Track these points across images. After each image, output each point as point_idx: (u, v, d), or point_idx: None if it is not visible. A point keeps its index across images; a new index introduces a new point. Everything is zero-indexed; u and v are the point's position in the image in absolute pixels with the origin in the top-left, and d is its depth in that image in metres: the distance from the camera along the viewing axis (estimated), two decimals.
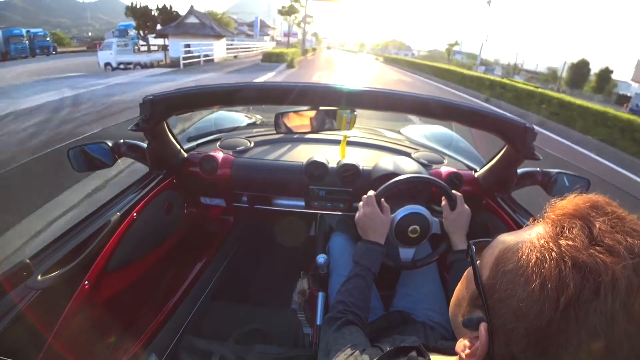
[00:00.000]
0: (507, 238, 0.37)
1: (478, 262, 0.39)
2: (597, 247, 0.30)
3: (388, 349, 0.55)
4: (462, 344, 0.39)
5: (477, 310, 0.37)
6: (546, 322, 0.30)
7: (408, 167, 1.09)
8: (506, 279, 0.34)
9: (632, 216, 0.33)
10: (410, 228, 0.89)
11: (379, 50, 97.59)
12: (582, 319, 0.28)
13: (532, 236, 0.34)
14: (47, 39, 26.73)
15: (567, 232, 0.32)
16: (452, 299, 0.45)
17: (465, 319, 0.38)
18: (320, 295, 1.05)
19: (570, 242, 0.31)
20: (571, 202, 0.35)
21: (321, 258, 1.06)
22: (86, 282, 0.76)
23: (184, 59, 14.61)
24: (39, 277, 0.66)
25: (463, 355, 0.38)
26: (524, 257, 0.33)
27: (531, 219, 0.38)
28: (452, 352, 0.42)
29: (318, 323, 1.02)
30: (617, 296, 0.28)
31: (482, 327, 0.35)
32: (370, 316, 0.85)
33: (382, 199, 0.89)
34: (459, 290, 0.43)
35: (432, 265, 1.00)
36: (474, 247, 0.41)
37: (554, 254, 0.31)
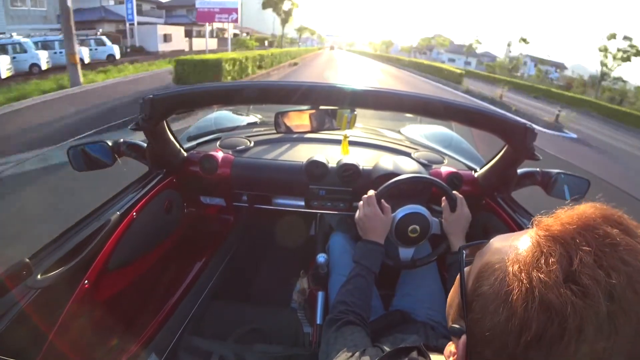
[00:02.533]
0: (496, 246, 0.35)
1: (468, 268, 0.37)
2: (572, 286, 0.27)
3: (389, 348, 0.55)
4: (448, 350, 0.39)
5: (461, 320, 0.36)
6: (507, 356, 0.29)
7: (408, 167, 1.09)
8: (479, 302, 0.32)
9: (634, 235, 0.29)
10: (410, 228, 0.89)
11: (414, 55, 54.93)
12: (542, 359, 0.27)
13: (511, 257, 0.31)
14: None
15: (543, 261, 0.28)
16: (447, 300, 0.44)
17: (450, 328, 0.37)
18: (320, 294, 1.05)
19: (542, 276, 0.28)
20: (558, 220, 0.31)
21: (321, 257, 1.06)
22: (86, 282, 0.76)
23: None
24: (39, 277, 0.66)
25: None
26: (496, 282, 0.31)
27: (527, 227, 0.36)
28: None
29: (318, 322, 1.02)
30: (582, 344, 0.26)
31: (461, 341, 0.34)
32: (370, 314, 0.85)
33: (383, 199, 0.89)
34: (452, 293, 0.42)
35: (432, 265, 1.00)
36: (465, 251, 0.39)
37: (523, 287, 0.28)
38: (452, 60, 49.76)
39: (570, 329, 0.26)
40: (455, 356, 0.36)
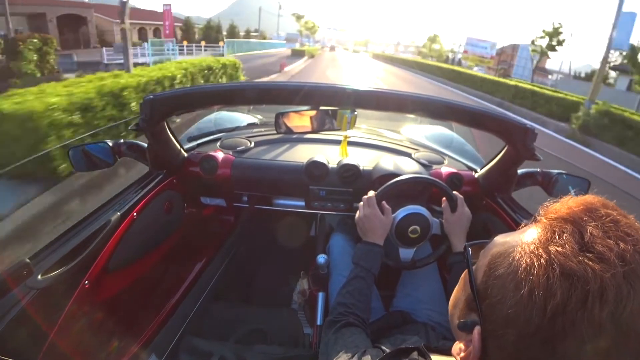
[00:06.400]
0: (502, 240, 0.37)
1: (474, 265, 0.38)
2: (588, 254, 0.29)
3: (389, 349, 0.55)
4: (457, 347, 0.39)
5: (472, 313, 0.37)
6: (534, 329, 0.29)
7: (408, 168, 1.09)
8: (497, 284, 0.33)
9: (629, 218, 0.32)
10: (411, 228, 0.89)
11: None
12: (569, 327, 0.28)
13: (523, 240, 0.33)
14: None
15: (557, 237, 0.31)
16: (450, 300, 0.45)
17: (461, 322, 0.38)
18: (321, 295, 1.05)
19: (559, 249, 0.30)
20: (565, 205, 0.34)
21: (321, 258, 1.06)
22: (86, 282, 0.76)
23: None
24: (39, 277, 0.66)
25: (458, 358, 0.38)
26: (514, 262, 0.32)
27: (524, 223, 0.38)
28: None
29: (318, 323, 1.02)
30: (605, 305, 0.27)
31: (476, 331, 0.35)
32: (370, 316, 0.85)
33: (383, 200, 0.89)
34: (457, 291, 0.43)
35: (432, 266, 1.00)
36: (470, 249, 0.40)
37: (542, 260, 0.30)
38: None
39: (593, 291, 0.27)
40: (466, 352, 0.36)
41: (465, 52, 31.88)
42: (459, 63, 33.77)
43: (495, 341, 0.33)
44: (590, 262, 0.28)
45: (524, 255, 0.32)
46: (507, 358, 0.32)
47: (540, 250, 0.31)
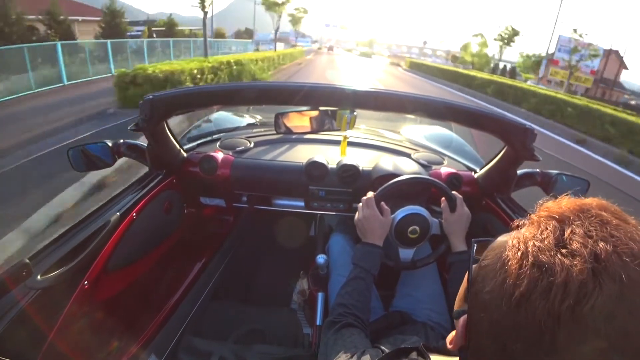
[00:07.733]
0: (501, 239, 0.38)
1: (476, 264, 0.39)
2: (562, 250, 0.30)
3: (388, 349, 0.55)
4: (451, 335, 0.40)
5: (465, 303, 0.39)
6: (501, 315, 0.31)
7: (408, 168, 1.09)
8: (482, 273, 0.35)
9: (626, 222, 0.31)
10: (410, 228, 0.89)
11: None
12: (530, 316, 0.29)
13: (512, 236, 0.35)
14: None
15: (539, 233, 0.32)
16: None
17: (455, 311, 0.40)
18: (320, 295, 1.05)
19: (537, 243, 0.31)
20: (558, 204, 0.35)
21: (321, 258, 1.06)
22: (86, 282, 0.76)
23: None
24: (39, 277, 0.66)
25: (449, 345, 0.40)
26: (497, 255, 0.34)
27: (517, 220, 0.38)
28: (453, 352, 0.43)
29: (318, 323, 1.02)
30: (566, 298, 0.27)
31: (462, 318, 0.37)
32: (370, 316, 0.86)
33: (382, 201, 0.90)
34: (462, 287, 0.44)
35: (432, 266, 1.00)
36: (475, 245, 0.41)
37: (519, 253, 0.32)
38: None
39: (557, 283, 0.28)
40: (453, 337, 0.38)
41: (554, 62, 18.96)
42: (513, 74, 21.39)
43: (475, 326, 0.35)
44: (561, 256, 0.29)
45: (507, 249, 0.33)
46: (483, 344, 0.34)
47: (521, 244, 0.32)
